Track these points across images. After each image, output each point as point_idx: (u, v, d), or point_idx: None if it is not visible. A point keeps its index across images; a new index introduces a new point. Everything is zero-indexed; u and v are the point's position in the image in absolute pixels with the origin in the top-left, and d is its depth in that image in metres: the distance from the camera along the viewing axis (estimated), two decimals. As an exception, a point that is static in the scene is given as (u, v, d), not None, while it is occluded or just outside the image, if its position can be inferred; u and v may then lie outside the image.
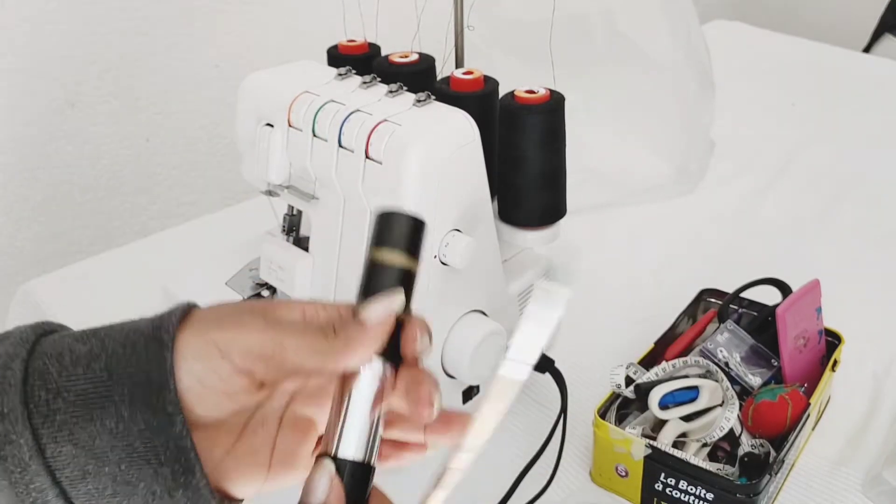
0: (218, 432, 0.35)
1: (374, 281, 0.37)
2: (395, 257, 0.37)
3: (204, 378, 0.33)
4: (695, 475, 0.56)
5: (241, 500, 0.37)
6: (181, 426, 0.32)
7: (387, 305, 0.35)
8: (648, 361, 0.65)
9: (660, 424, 0.60)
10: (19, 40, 0.94)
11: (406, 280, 0.37)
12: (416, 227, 0.37)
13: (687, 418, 0.60)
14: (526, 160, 0.61)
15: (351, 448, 0.36)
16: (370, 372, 0.36)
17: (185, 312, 0.34)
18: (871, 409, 0.68)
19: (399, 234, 0.37)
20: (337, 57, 0.69)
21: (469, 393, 0.67)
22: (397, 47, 0.68)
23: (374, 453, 0.37)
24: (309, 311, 0.36)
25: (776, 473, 0.56)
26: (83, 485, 0.31)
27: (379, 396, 0.36)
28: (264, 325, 0.34)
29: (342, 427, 0.36)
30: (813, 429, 0.65)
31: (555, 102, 0.61)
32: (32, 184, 1.05)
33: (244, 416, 0.36)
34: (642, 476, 0.58)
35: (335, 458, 0.35)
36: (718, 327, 0.66)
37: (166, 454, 0.32)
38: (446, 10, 0.71)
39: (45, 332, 0.34)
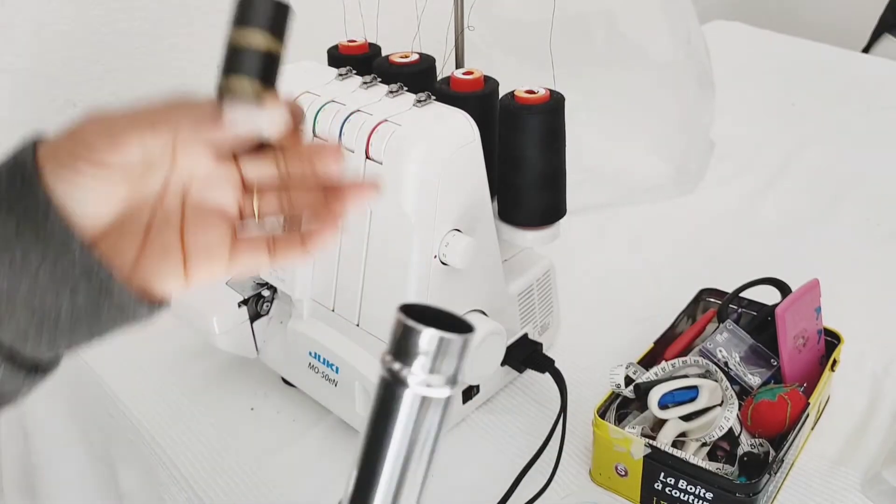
0: (121, 237, 0.36)
1: (234, 64, 0.36)
2: (256, 38, 0.35)
3: (77, 193, 0.33)
4: (694, 475, 0.56)
5: (166, 301, 0.37)
6: (79, 243, 0.33)
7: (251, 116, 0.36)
8: (648, 361, 0.65)
9: (659, 424, 0.60)
10: (20, 40, 0.94)
11: (269, 64, 0.36)
12: (279, 9, 0.36)
13: (686, 418, 0.60)
14: (526, 160, 0.61)
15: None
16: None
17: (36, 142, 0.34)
18: (870, 408, 0.68)
19: (261, 13, 0.35)
20: (337, 57, 0.69)
21: (469, 392, 0.67)
22: (397, 47, 0.68)
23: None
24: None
25: (775, 473, 0.56)
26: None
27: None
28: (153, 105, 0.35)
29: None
30: (812, 428, 0.65)
31: (555, 102, 0.61)
32: (33, 184, 1.05)
33: (142, 214, 0.36)
34: (642, 475, 0.58)
35: None
36: (718, 327, 0.66)
37: (76, 271, 0.33)
38: (446, 10, 0.71)
39: None
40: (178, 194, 0.38)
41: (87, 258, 0.33)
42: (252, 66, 0.36)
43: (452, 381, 0.29)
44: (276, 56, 0.37)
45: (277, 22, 0.36)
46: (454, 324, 0.30)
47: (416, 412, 0.29)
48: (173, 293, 0.37)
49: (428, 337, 0.29)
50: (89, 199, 0.33)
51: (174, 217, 0.37)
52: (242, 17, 0.36)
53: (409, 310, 0.30)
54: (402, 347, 0.29)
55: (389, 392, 0.29)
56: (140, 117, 0.35)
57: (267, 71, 0.37)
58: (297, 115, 0.39)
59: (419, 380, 0.29)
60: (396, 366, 0.29)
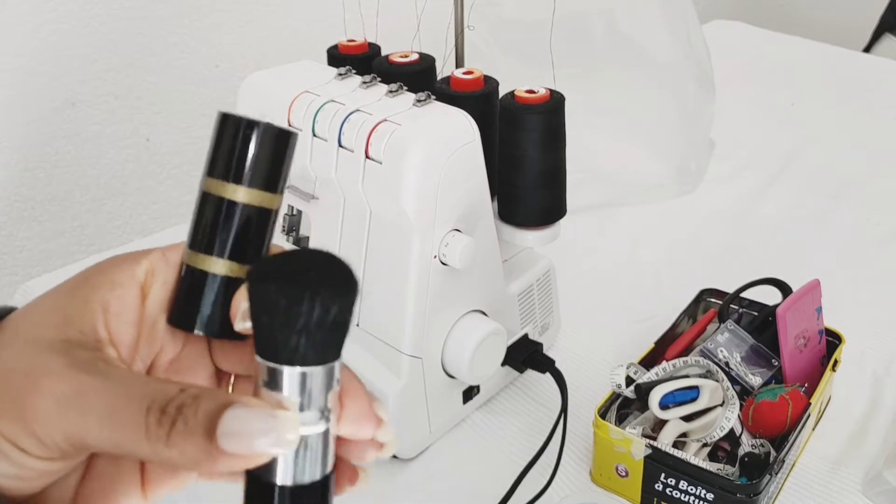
0: (48, 494, 0.29)
1: (209, 224, 0.28)
2: (248, 195, 0.28)
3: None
4: (695, 475, 0.56)
5: None
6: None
7: (253, 441, 0.25)
8: (648, 361, 0.65)
9: (660, 424, 0.60)
10: (20, 39, 0.94)
11: (263, 222, 0.29)
12: (276, 145, 0.28)
13: (687, 418, 0.60)
14: (526, 160, 0.61)
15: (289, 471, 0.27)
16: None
17: None
18: (871, 409, 0.68)
19: (254, 158, 0.28)
20: (337, 57, 0.69)
21: (469, 393, 0.67)
22: (397, 47, 0.68)
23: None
24: (135, 380, 0.27)
25: (776, 473, 0.56)
26: None
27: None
28: (63, 401, 0.26)
29: None
30: (813, 429, 0.65)
31: (555, 102, 0.61)
32: (32, 183, 1.05)
33: (75, 471, 0.30)
34: (642, 476, 0.58)
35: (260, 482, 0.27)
36: (719, 327, 0.66)
37: None
38: (446, 10, 0.71)
39: None
40: None
41: None
42: (238, 243, 0.28)
43: (324, 412, 0.27)
44: (268, 212, 0.29)
45: (277, 164, 0.28)
46: (326, 270, 0.27)
47: (293, 456, 0.26)
48: None
49: (288, 377, 0.26)
50: (14, 473, 0.27)
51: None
52: (226, 162, 0.28)
53: (260, 275, 0.26)
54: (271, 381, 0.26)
55: None
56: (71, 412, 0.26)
57: (256, 244, 0.29)
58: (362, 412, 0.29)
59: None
60: None
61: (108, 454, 0.29)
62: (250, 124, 0.28)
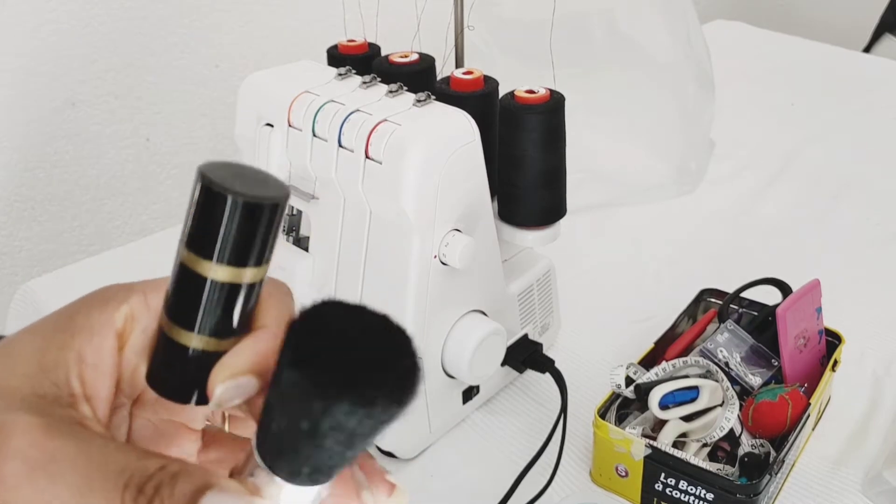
0: None
1: (187, 299, 0.26)
2: (227, 274, 0.25)
3: None
4: (695, 475, 0.56)
5: None
6: None
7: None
8: (648, 361, 0.65)
9: (660, 424, 0.60)
10: (20, 39, 0.94)
11: (243, 298, 0.27)
12: (262, 219, 0.25)
13: (687, 418, 0.60)
14: (526, 160, 0.61)
15: None
16: None
17: None
18: (871, 409, 0.68)
19: (235, 234, 0.25)
20: (337, 57, 0.69)
21: (469, 393, 0.67)
22: (397, 47, 0.68)
23: None
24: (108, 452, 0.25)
25: (776, 473, 0.56)
26: None
27: None
28: (34, 467, 0.24)
29: None
30: (813, 429, 0.65)
31: (555, 102, 0.61)
32: (32, 183, 1.05)
33: None
34: (642, 476, 0.58)
35: None
36: (718, 327, 0.66)
37: None
38: (446, 10, 0.71)
39: None
40: None
41: None
42: (218, 321, 0.26)
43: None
44: (254, 289, 0.27)
45: (263, 238, 0.26)
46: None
47: None
48: None
49: (278, 490, 0.24)
50: None
51: None
52: (206, 238, 0.25)
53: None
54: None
55: None
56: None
57: (239, 319, 0.27)
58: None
59: None
60: None
61: None
62: (234, 201, 0.24)
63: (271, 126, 0.63)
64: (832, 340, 0.67)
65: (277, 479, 0.24)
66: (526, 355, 0.67)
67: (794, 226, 0.94)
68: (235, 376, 0.26)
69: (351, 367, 0.22)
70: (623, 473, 0.59)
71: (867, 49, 1.68)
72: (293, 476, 0.24)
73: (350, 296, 0.62)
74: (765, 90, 1.29)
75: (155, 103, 1.12)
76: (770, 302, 0.68)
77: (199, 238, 0.25)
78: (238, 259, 0.25)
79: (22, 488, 0.24)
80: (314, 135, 0.60)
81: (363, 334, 0.23)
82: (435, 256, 0.58)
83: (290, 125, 0.61)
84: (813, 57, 1.41)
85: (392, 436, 0.61)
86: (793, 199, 0.99)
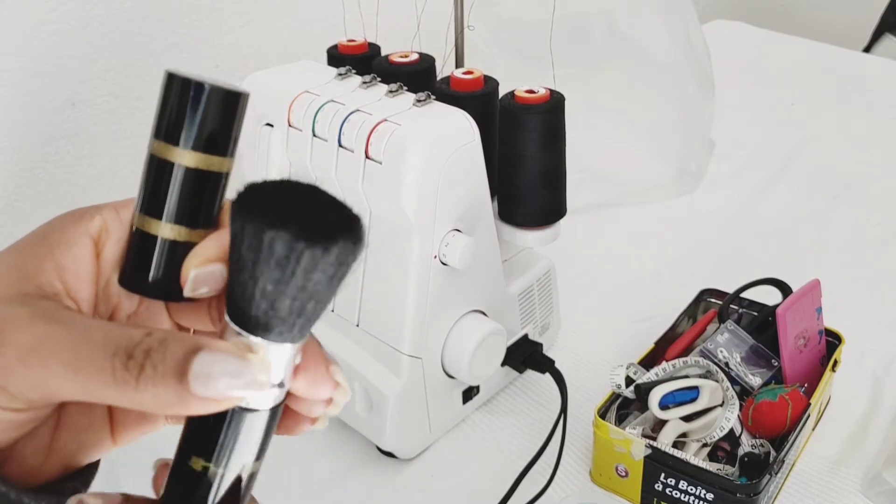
0: (22, 447, 0.29)
1: (157, 188, 0.27)
2: (195, 159, 0.27)
3: None
4: (695, 475, 0.56)
5: (94, 470, 0.33)
6: None
7: (226, 385, 0.25)
8: (648, 361, 0.65)
9: (660, 424, 0.60)
10: (20, 39, 0.94)
11: (211, 186, 0.28)
12: (228, 106, 0.27)
13: (687, 418, 0.60)
14: (526, 160, 0.61)
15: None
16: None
17: None
18: (871, 409, 0.68)
19: (201, 120, 0.27)
20: (337, 57, 0.69)
21: (469, 393, 0.67)
22: (397, 47, 0.68)
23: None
24: (100, 326, 0.26)
25: (776, 473, 0.56)
26: None
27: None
28: (26, 351, 0.26)
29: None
30: (813, 429, 0.65)
31: (555, 102, 0.61)
32: (33, 183, 1.05)
33: (47, 422, 0.30)
34: (642, 476, 0.58)
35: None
36: (718, 327, 0.66)
37: None
38: (446, 10, 0.71)
39: None
40: None
41: None
42: (187, 208, 0.27)
43: (280, 382, 0.27)
44: (220, 180, 0.28)
45: (226, 126, 0.27)
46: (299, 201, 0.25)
47: (239, 413, 0.26)
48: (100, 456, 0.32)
49: (255, 342, 0.26)
50: None
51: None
52: (173, 124, 0.27)
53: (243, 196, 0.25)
54: None
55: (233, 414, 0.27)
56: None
57: (207, 208, 0.28)
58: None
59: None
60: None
61: (76, 402, 0.29)
62: (199, 86, 0.26)
63: (271, 126, 0.63)
64: (832, 340, 0.68)
65: (252, 338, 0.25)
66: (526, 355, 0.67)
67: (794, 226, 0.94)
68: (208, 262, 0.27)
69: (296, 207, 0.24)
70: (623, 473, 0.59)
71: (867, 49, 1.68)
72: (263, 331, 0.25)
73: (350, 296, 0.62)
74: (765, 90, 1.29)
75: (155, 103, 1.12)
76: (770, 302, 0.68)
77: (168, 126, 0.27)
78: (204, 145, 0.27)
79: (16, 370, 0.25)
80: (314, 135, 0.60)
81: (305, 191, 0.26)
82: (435, 256, 0.58)
83: (290, 125, 0.61)
84: (813, 57, 1.41)
85: (392, 436, 0.61)
86: (793, 199, 0.99)
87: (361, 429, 0.64)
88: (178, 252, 0.28)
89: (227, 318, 0.26)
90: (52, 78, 0.99)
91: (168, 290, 0.28)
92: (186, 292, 0.28)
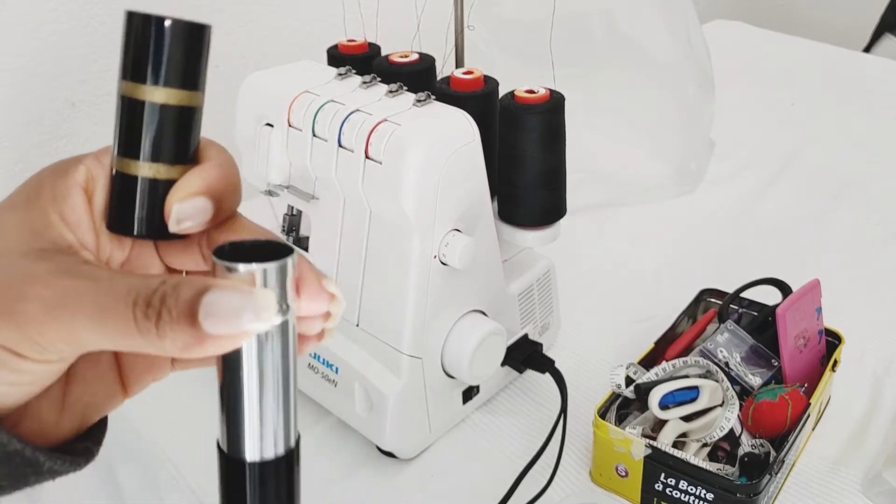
0: (38, 404, 0.30)
1: (131, 128, 0.28)
2: (167, 95, 0.27)
3: None
4: (695, 475, 0.56)
5: (104, 429, 0.33)
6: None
7: (235, 320, 0.25)
8: (648, 361, 0.65)
9: (660, 424, 0.60)
10: (20, 39, 0.94)
11: (186, 122, 0.28)
12: (192, 40, 0.27)
13: (687, 418, 0.60)
14: (526, 160, 0.61)
15: (256, 448, 0.28)
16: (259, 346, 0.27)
17: None
18: (871, 409, 0.68)
19: (169, 56, 0.27)
20: (337, 57, 0.69)
21: (469, 393, 0.67)
22: (397, 47, 0.68)
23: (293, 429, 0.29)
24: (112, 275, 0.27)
25: (776, 473, 0.56)
26: None
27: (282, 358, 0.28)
28: (52, 306, 0.26)
29: (235, 417, 0.28)
30: (813, 429, 0.65)
31: (555, 102, 0.61)
32: (32, 184, 1.05)
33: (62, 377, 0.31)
34: (642, 476, 0.58)
35: (232, 460, 0.28)
36: (718, 327, 0.66)
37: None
38: (446, 10, 0.71)
39: None
40: None
41: (1, 439, 0.28)
42: (161, 145, 0.28)
43: (283, 305, 0.27)
44: (193, 110, 0.28)
45: (192, 60, 0.28)
46: (274, 250, 0.27)
47: (256, 344, 0.27)
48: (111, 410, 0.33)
49: (245, 273, 0.26)
50: (12, 380, 0.28)
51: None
52: (138, 63, 0.27)
53: (224, 251, 0.27)
54: None
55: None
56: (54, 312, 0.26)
57: (182, 144, 0.28)
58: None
59: None
60: None
61: (85, 355, 0.30)
62: (159, 21, 0.27)
63: (271, 126, 0.63)
64: (832, 340, 0.67)
65: (241, 266, 0.26)
66: (526, 355, 0.67)
67: (794, 226, 0.94)
68: (189, 196, 0.28)
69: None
70: (623, 473, 0.59)
71: (867, 49, 1.68)
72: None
73: (349, 296, 0.62)
74: (765, 90, 1.29)
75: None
76: (770, 302, 0.68)
77: (134, 65, 0.27)
78: (172, 80, 0.27)
79: (47, 324, 0.26)
80: (314, 135, 0.60)
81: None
82: (435, 256, 0.58)
83: (290, 125, 0.61)
84: (813, 57, 1.41)
85: (392, 436, 0.61)
86: (793, 199, 0.99)
87: (361, 429, 0.64)
88: (159, 190, 0.28)
89: (213, 256, 0.27)
90: (52, 78, 0.99)
91: (155, 229, 0.29)
92: (171, 228, 0.28)
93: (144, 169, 0.28)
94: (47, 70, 0.99)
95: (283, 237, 0.29)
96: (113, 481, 0.66)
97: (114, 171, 0.29)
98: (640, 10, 0.98)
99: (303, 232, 0.69)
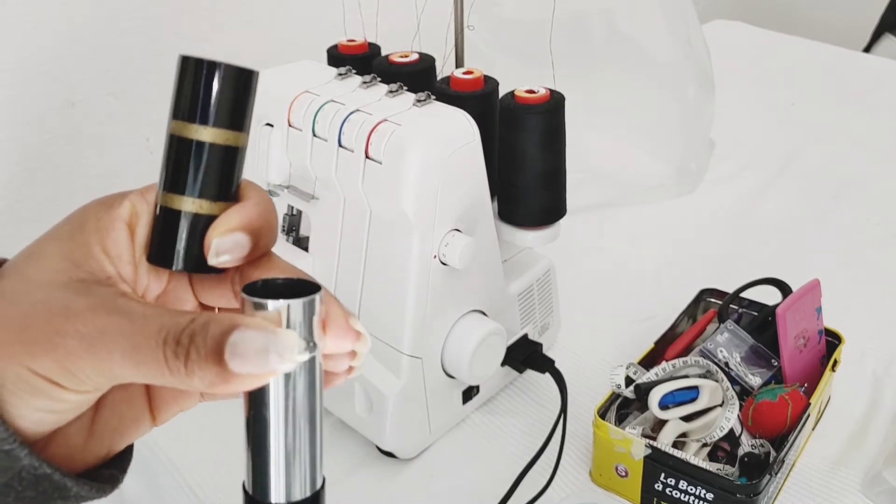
0: (67, 429, 0.31)
1: (177, 165, 0.29)
2: (212, 135, 0.29)
3: (29, 413, 0.28)
4: (695, 475, 0.56)
5: (129, 457, 0.33)
6: (29, 457, 0.28)
7: (260, 359, 0.26)
8: (648, 361, 0.65)
9: (660, 424, 0.60)
10: (19, 39, 0.94)
11: (229, 161, 0.30)
12: (240, 83, 0.29)
13: (687, 418, 0.60)
14: (526, 160, 0.61)
15: (282, 491, 0.28)
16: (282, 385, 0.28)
17: None
18: (871, 409, 0.68)
19: (217, 98, 0.29)
20: (337, 57, 0.69)
21: (469, 393, 0.67)
22: (397, 47, 0.68)
23: (320, 467, 0.29)
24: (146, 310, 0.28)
25: (776, 473, 0.56)
26: None
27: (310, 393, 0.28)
28: (89, 341, 0.27)
29: (258, 465, 0.28)
30: (813, 429, 0.65)
31: (555, 102, 0.61)
32: (32, 184, 1.05)
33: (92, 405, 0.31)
34: (642, 476, 0.58)
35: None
36: (718, 327, 0.66)
37: (24, 484, 0.28)
38: (446, 10, 0.71)
39: None
40: None
41: (33, 463, 0.28)
42: (206, 182, 0.29)
43: (309, 343, 0.28)
44: (237, 149, 0.30)
45: (239, 102, 0.29)
46: (302, 288, 0.28)
47: (283, 381, 0.28)
48: (134, 439, 0.33)
49: (272, 310, 0.27)
50: (32, 416, 0.28)
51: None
52: (189, 103, 0.29)
53: (255, 288, 0.28)
54: None
55: None
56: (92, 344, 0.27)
57: (226, 182, 0.30)
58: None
59: None
60: None
61: (129, 384, 0.31)
62: (211, 65, 0.28)
63: (271, 126, 0.63)
64: (832, 340, 0.67)
65: (270, 303, 0.27)
66: (526, 355, 0.67)
67: (794, 226, 0.94)
68: (230, 231, 0.29)
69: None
70: (623, 473, 0.59)
71: (867, 49, 1.68)
72: None
73: (350, 296, 0.62)
74: (765, 90, 1.29)
75: (155, 103, 1.12)
76: (770, 302, 0.68)
77: (185, 106, 0.29)
78: (220, 120, 0.29)
79: (84, 359, 0.27)
80: (314, 135, 0.60)
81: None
82: (435, 256, 0.58)
83: (290, 125, 0.61)
84: (813, 57, 1.41)
85: (392, 436, 0.61)
86: (793, 199, 0.99)
87: (361, 429, 0.64)
88: (201, 225, 0.30)
89: (242, 293, 0.28)
90: (52, 78, 0.99)
91: (193, 262, 0.30)
92: (211, 261, 0.29)
93: (188, 204, 0.29)
94: (47, 70, 0.99)
95: (312, 277, 0.30)
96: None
97: (158, 206, 0.30)
98: (640, 11, 0.98)
99: (303, 232, 0.69)
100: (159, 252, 0.30)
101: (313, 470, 0.29)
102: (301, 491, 0.28)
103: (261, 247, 0.30)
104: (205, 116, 0.29)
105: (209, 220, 0.30)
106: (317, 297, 0.28)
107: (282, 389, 0.27)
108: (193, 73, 0.29)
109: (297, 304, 0.27)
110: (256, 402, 0.28)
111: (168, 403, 0.33)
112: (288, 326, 0.27)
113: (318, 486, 0.29)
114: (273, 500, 0.28)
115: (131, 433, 0.33)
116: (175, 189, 0.29)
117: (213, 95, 0.28)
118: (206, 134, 0.29)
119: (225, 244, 0.29)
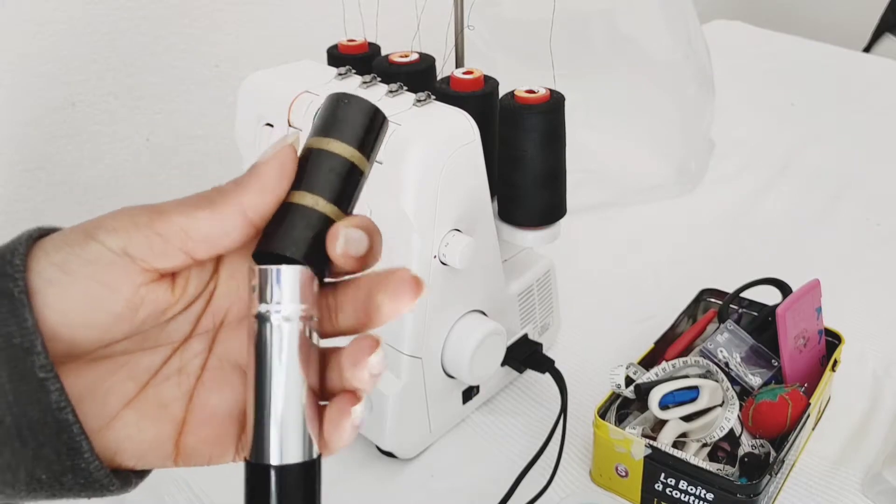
0: (114, 373, 0.30)
1: (314, 172, 0.32)
2: (341, 148, 0.33)
3: (75, 295, 0.28)
4: (695, 475, 0.56)
5: (146, 473, 0.32)
6: (58, 394, 0.27)
7: (278, 145, 0.31)
8: (648, 361, 0.65)
9: (660, 424, 0.60)
10: (19, 39, 0.94)
11: (351, 176, 0.33)
12: (373, 117, 0.34)
13: (687, 418, 0.60)
14: (526, 160, 0.61)
15: (276, 450, 0.30)
16: (287, 326, 0.30)
17: (33, 240, 0.30)
18: (871, 409, 0.68)
19: (350, 122, 0.33)
20: (337, 57, 0.69)
21: (469, 393, 0.67)
22: (397, 47, 0.68)
23: (312, 442, 0.31)
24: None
25: (776, 473, 0.56)
26: None
27: (306, 352, 0.31)
28: (133, 210, 0.30)
29: (259, 421, 0.30)
30: (813, 429, 0.65)
31: (555, 102, 0.61)
32: (32, 184, 1.05)
33: (152, 354, 0.31)
34: (642, 476, 0.58)
35: (256, 466, 0.30)
36: (718, 327, 0.66)
37: (44, 431, 0.27)
38: (446, 10, 0.71)
39: None
40: (207, 341, 0.33)
41: (60, 402, 0.28)
42: (330, 186, 0.33)
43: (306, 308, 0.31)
44: (360, 172, 0.34)
45: (369, 131, 0.34)
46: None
47: (278, 346, 0.30)
48: (154, 466, 0.32)
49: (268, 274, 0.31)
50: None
51: (192, 368, 0.32)
52: (326, 123, 0.34)
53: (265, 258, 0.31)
54: (262, 291, 0.31)
55: (262, 333, 0.31)
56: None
57: (347, 194, 0.34)
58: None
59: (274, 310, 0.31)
60: (262, 308, 0.31)
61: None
62: (349, 96, 0.34)
63: (271, 126, 0.63)
64: (832, 340, 0.68)
65: (272, 268, 0.31)
66: (526, 355, 0.67)
67: (794, 226, 0.94)
68: (356, 226, 0.31)
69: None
70: (623, 473, 0.59)
71: (867, 49, 1.68)
72: None
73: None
74: (765, 90, 1.29)
75: (155, 103, 1.12)
76: (770, 302, 0.68)
77: (326, 125, 0.33)
78: (352, 140, 0.33)
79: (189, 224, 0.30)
80: (314, 135, 0.60)
81: None
82: (435, 256, 0.58)
83: (290, 125, 0.61)
84: (813, 57, 1.41)
85: (392, 436, 0.61)
86: (793, 199, 0.99)
87: (361, 429, 0.64)
88: (322, 223, 0.32)
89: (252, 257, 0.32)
90: (52, 78, 0.99)
91: (306, 252, 0.32)
92: (338, 249, 0.31)
93: (319, 203, 0.32)
94: (47, 70, 0.99)
95: None
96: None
97: (286, 202, 0.32)
98: (640, 11, 0.98)
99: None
100: (278, 239, 0.32)
101: (305, 436, 0.30)
102: (294, 455, 0.30)
103: (369, 258, 0.32)
104: (342, 134, 0.33)
105: (329, 221, 0.32)
106: (314, 274, 0.31)
107: (276, 354, 0.30)
108: (337, 102, 0.33)
109: (295, 269, 0.31)
110: (260, 368, 0.30)
111: (200, 426, 0.32)
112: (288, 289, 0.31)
113: (314, 455, 0.31)
114: (266, 461, 0.30)
115: (151, 442, 0.32)
116: (303, 187, 0.32)
117: (350, 119, 0.33)
118: (340, 147, 0.33)
119: (352, 235, 0.31)
